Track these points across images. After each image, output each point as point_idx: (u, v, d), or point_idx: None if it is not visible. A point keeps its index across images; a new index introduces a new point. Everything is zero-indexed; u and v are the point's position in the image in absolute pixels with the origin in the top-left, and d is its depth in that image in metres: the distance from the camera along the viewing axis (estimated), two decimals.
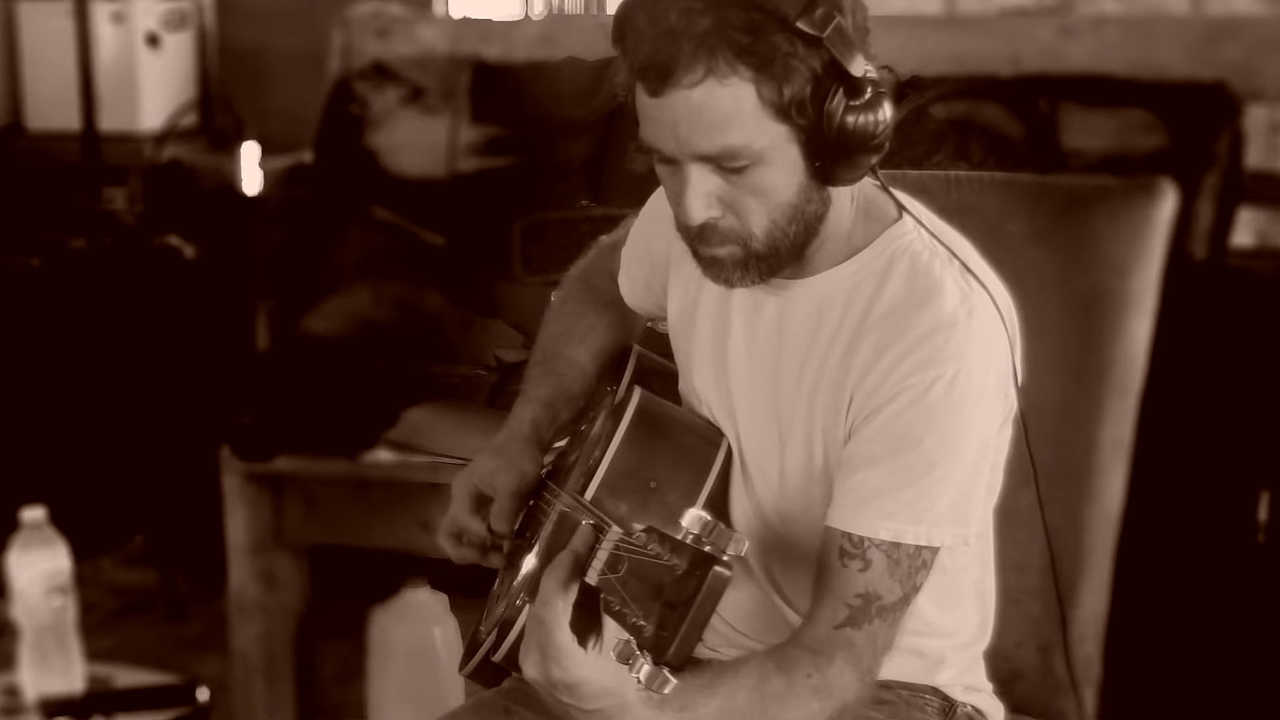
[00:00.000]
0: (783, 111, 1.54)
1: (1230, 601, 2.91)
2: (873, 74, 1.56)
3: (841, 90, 1.54)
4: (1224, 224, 3.05)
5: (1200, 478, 2.92)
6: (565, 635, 1.45)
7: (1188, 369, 2.65)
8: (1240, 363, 2.93)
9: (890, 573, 1.61)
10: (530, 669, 1.48)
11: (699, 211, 1.59)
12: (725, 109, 1.52)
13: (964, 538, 1.66)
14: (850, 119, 1.55)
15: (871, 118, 1.56)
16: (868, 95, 1.55)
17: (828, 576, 1.64)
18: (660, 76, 1.53)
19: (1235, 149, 3.08)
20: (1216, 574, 2.92)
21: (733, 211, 1.60)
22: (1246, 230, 3.14)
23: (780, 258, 1.63)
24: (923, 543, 1.62)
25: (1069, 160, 3.12)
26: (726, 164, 1.56)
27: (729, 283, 1.66)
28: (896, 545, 1.61)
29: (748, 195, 1.58)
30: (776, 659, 1.61)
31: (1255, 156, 3.12)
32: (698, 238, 1.63)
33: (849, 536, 1.62)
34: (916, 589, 1.64)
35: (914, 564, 1.62)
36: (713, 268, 1.65)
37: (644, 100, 1.57)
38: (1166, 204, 2.03)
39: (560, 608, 1.45)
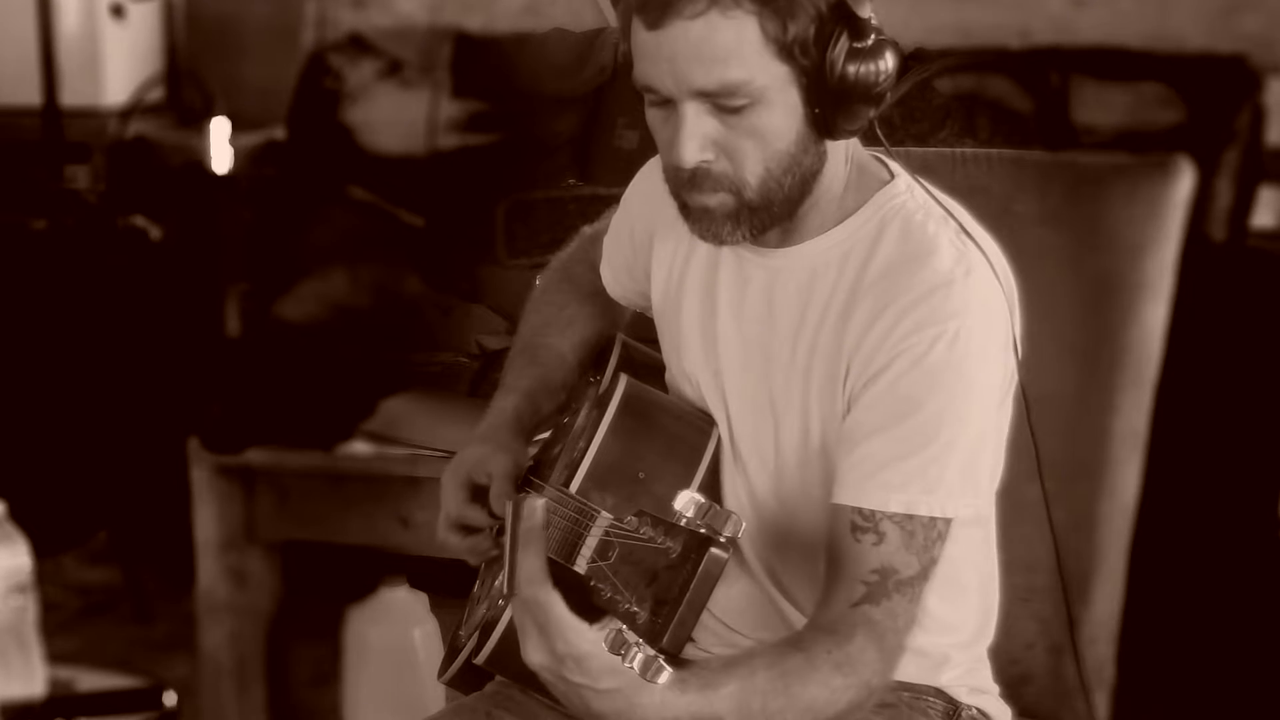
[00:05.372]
0: (785, 50, 1.55)
1: (1250, 601, 2.91)
2: (875, 20, 1.57)
3: (846, 33, 1.55)
4: (1244, 204, 3.05)
5: (1218, 471, 2.92)
6: (560, 609, 1.42)
7: (1205, 356, 2.65)
8: (1261, 349, 2.93)
9: (906, 545, 1.61)
10: (534, 654, 1.44)
11: (692, 153, 1.59)
12: (727, 42, 1.54)
13: (975, 507, 1.67)
14: (852, 66, 1.56)
15: (874, 66, 1.57)
16: (871, 41, 1.56)
17: (840, 555, 1.64)
18: (661, 7, 1.54)
19: (1256, 125, 3.08)
20: (1236, 572, 2.92)
21: (727, 155, 1.60)
22: (1267, 210, 3.14)
23: (773, 211, 1.64)
24: (936, 513, 1.62)
25: (1081, 137, 3.12)
26: (724, 102, 1.57)
27: (718, 237, 1.65)
28: (910, 517, 1.61)
29: (744, 138, 1.59)
30: (793, 641, 1.61)
31: (1277, 133, 3.12)
32: (689, 184, 1.63)
33: (859, 511, 1.62)
34: (934, 561, 1.64)
35: (929, 535, 1.62)
36: (702, 220, 1.65)
37: (641, 35, 1.58)
38: (1183, 183, 2.03)
39: (546, 582, 1.42)
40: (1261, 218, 3.10)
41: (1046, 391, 1.73)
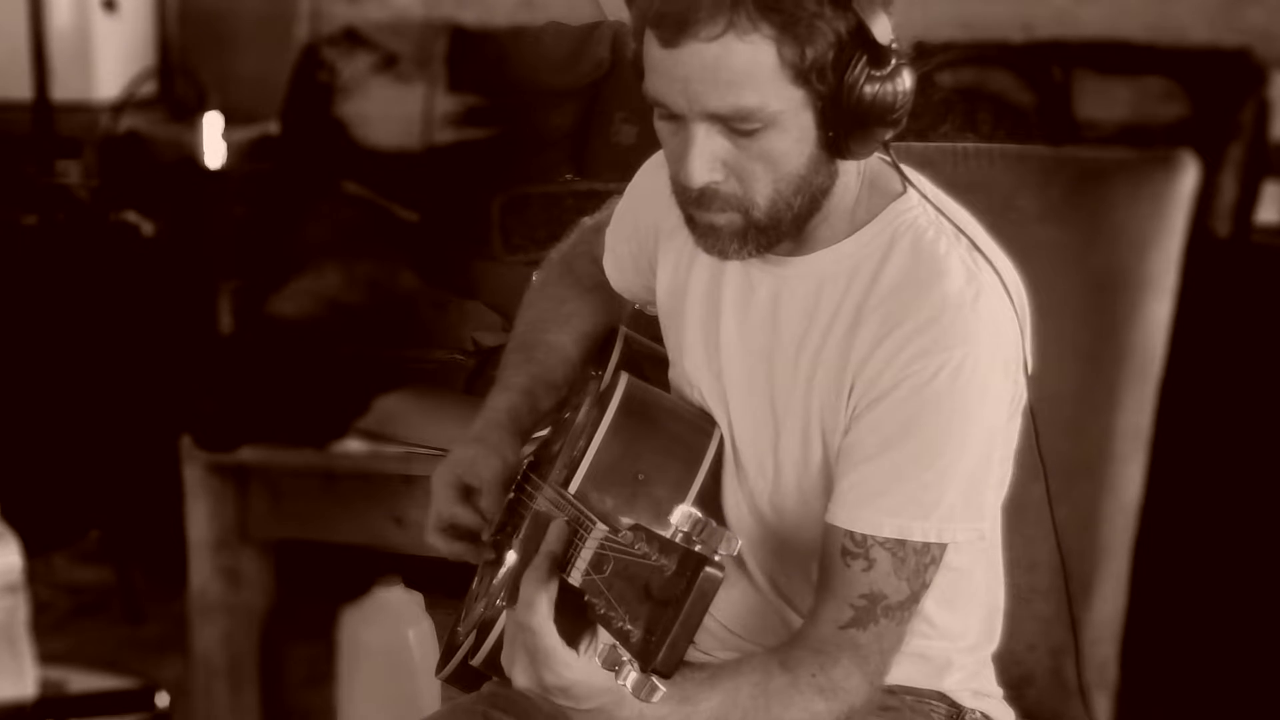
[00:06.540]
0: (802, 75, 1.53)
1: (1255, 601, 2.91)
2: (896, 44, 1.56)
3: (865, 58, 1.53)
4: (1248, 199, 3.05)
5: (1223, 468, 2.91)
6: (553, 639, 1.45)
7: (1210, 353, 2.65)
8: (1265, 345, 2.93)
9: (896, 571, 1.61)
10: (520, 677, 1.48)
11: (702, 173, 1.57)
12: (743, 67, 1.51)
13: (978, 531, 1.66)
14: (870, 90, 1.54)
15: (891, 89, 1.55)
16: (890, 66, 1.55)
17: (830, 575, 1.64)
18: (677, 26, 1.52)
19: (1260, 119, 3.08)
20: (1240, 571, 2.92)
21: (736, 177, 1.59)
22: (1272, 205, 3.13)
23: (781, 230, 1.63)
24: (932, 539, 1.61)
25: (1084, 131, 3.12)
26: (737, 125, 1.55)
27: (724, 254, 1.64)
28: (902, 543, 1.61)
29: (755, 161, 1.57)
30: (780, 658, 1.61)
31: None
32: (696, 202, 1.62)
33: (851, 535, 1.62)
34: (926, 586, 1.64)
35: (922, 561, 1.62)
36: (708, 237, 1.64)
37: (654, 51, 1.56)
38: (1187, 178, 2.03)
39: (544, 612, 1.45)
40: (1266, 213, 3.10)
41: (1049, 389, 1.72)
